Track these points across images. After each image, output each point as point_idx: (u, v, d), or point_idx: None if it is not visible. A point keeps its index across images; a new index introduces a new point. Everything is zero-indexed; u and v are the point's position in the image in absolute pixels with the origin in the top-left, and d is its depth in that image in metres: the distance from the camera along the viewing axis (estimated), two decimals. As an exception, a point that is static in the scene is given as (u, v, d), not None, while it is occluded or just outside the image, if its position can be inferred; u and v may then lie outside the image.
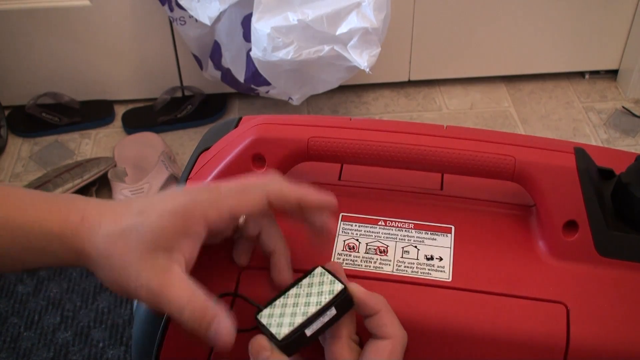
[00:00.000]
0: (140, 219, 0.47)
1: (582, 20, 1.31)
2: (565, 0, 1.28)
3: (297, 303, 0.48)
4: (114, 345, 0.96)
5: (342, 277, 0.50)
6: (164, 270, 0.47)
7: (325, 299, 0.48)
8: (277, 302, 0.49)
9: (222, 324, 0.46)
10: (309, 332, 0.47)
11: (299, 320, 0.47)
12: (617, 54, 1.36)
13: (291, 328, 0.47)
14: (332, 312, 0.47)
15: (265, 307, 0.49)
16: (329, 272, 0.49)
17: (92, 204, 0.49)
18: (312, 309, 0.47)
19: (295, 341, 0.47)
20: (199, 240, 0.48)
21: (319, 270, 0.49)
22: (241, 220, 0.50)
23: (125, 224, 0.47)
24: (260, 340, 0.47)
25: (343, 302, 0.48)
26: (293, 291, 0.49)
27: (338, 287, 0.48)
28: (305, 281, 0.49)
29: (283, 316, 0.48)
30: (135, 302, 0.60)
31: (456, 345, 0.52)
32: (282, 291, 0.49)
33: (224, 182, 0.50)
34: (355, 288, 0.48)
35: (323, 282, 0.49)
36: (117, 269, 0.47)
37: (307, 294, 0.48)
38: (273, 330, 0.47)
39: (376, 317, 0.48)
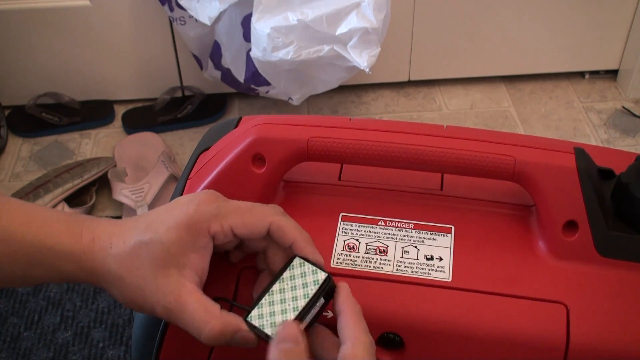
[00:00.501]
0: (148, 234, 0.48)
1: (582, 20, 1.31)
2: (565, 1, 1.28)
3: (285, 299, 0.48)
4: (114, 345, 0.96)
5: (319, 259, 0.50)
6: (178, 287, 0.48)
7: (312, 290, 0.48)
8: (263, 301, 0.48)
9: (241, 337, 0.47)
10: (302, 325, 0.47)
11: (291, 315, 0.47)
12: (617, 54, 1.36)
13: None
14: (321, 301, 0.48)
15: (253, 308, 0.48)
16: (308, 260, 0.49)
17: (102, 224, 0.50)
18: (302, 302, 0.47)
19: None
20: (207, 253, 0.49)
21: (297, 261, 0.49)
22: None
23: (134, 241, 0.48)
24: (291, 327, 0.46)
25: (329, 289, 0.48)
26: (276, 287, 0.49)
27: (322, 275, 0.48)
28: (286, 274, 0.49)
29: (274, 315, 0.48)
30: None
31: (456, 345, 0.52)
32: (265, 289, 0.49)
33: (235, 199, 0.51)
34: (342, 285, 0.49)
35: (305, 272, 0.48)
36: (131, 289, 0.48)
37: (292, 287, 0.48)
38: (268, 331, 0.47)
39: (340, 317, 0.47)
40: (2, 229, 0.49)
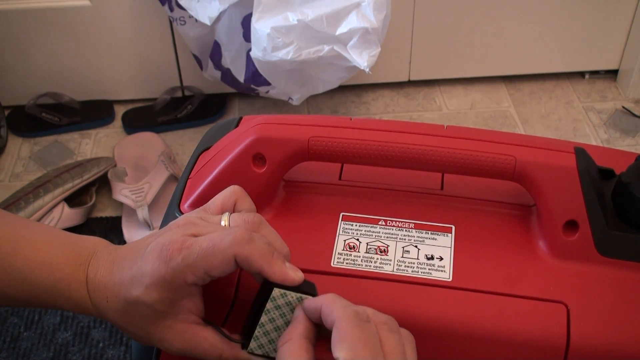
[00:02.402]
0: (133, 293, 0.49)
1: (582, 20, 1.31)
2: (565, 1, 1.28)
3: (278, 326, 0.48)
4: (114, 345, 0.96)
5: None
6: (182, 333, 0.50)
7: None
8: (256, 333, 0.49)
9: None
10: None
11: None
12: (617, 54, 1.36)
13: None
14: None
15: (248, 340, 0.49)
16: (286, 288, 0.48)
17: (100, 268, 0.52)
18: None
19: None
20: (196, 295, 0.50)
21: (277, 292, 0.47)
22: None
23: (123, 299, 0.50)
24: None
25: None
26: (265, 318, 0.48)
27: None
28: (270, 306, 0.48)
29: (274, 342, 0.49)
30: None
31: (456, 345, 0.52)
32: (252, 322, 0.49)
33: (201, 229, 0.49)
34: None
35: (290, 301, 0.48)
36: (137, 336, 0.52)
37: (281, 315, 0.48)
38: (275, 355, 0.48)
39: (320, 313, 0.46)
40: (18, 271, 0.52)
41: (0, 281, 0.51)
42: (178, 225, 0.50)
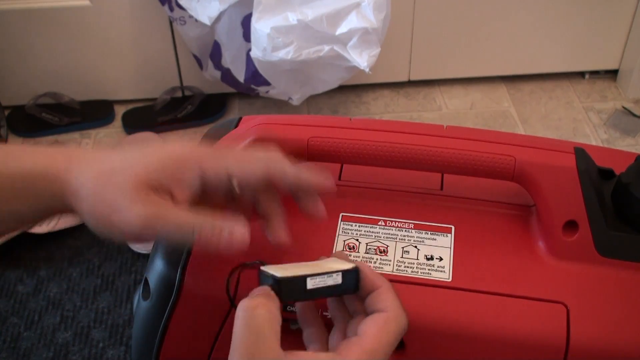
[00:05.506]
0: (133, 160, 0.47)
1: (582, 20, 1.31)
2: (565, 1, 1.28)
3: (306, 267, 0.48)
4: (114, 345, 0.96)
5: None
6: (157, 203, 0.46)
7: (334, 267, 0.48)
8: (285, 265, 0.48)
9: (234, 229, 0.46)
10: (309, 284, 0.46)
11: (302, 272, 0.46)
12: (617, 54, 1.36)
13: (293, 274, 0.46)
14: (338, 279, 0.47)
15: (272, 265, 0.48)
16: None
17: (82, 149, 0.49)
18: (319, 270, 0.47)
19: (293, 286, 0.46)
20: (191, 189, 0.47)
21: (327, 258, 0.50)
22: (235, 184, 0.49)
23: (117, 164, 0.47)
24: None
25: (350, 275, 0.47)
26: (302, 264, 0.49)
27: (349, 265, 0.48)
28: (314, 262, 0.50)
29: (287, 270, 0.47)
30: (135, 302, 0.60)
31: (456, 345, 0.52)
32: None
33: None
34: (362, 264, 0.48)
35: (334, 262, 0.49)
36: (106, 202, 0.46)
37: (317, 264, 0.49)
38: (273, 272, 0.46)
39: (376, 292, 0.47)
40: None
41: None
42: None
